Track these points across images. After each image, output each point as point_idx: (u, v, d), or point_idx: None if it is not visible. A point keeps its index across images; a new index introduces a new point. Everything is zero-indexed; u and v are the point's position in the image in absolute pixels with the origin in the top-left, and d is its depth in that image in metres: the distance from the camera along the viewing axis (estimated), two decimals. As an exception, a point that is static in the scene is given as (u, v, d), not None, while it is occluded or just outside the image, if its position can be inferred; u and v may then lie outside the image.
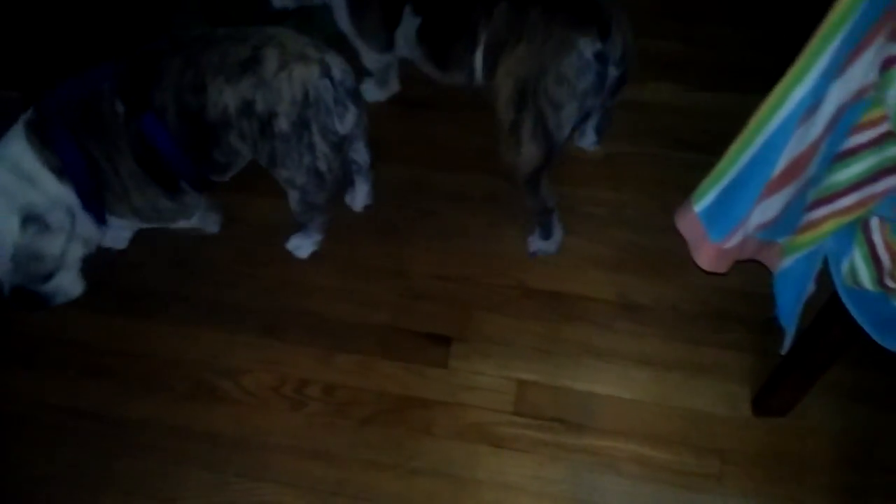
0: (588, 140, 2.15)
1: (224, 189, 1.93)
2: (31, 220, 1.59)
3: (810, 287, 1.38)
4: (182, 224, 1.88)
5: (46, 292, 1.71)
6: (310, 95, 1.62)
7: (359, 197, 2.08)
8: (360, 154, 1.96)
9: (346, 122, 1.70)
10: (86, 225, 1.72)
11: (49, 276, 1.68)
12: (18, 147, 1.61)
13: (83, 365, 1.90)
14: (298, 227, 1.98)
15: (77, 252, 1.73)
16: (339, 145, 1.72)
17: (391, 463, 1.72)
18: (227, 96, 1.61)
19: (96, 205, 1.70)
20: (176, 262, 2.05)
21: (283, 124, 1.63)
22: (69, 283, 1.75)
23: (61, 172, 1.62)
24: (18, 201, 1.59)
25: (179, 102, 1.62)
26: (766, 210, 1.24)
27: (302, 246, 2.02)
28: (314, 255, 2.03)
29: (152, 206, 1.76)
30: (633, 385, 1.81)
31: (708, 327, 1.87)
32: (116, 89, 1.62)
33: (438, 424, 1.76)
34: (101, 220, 1.74)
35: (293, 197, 1.84)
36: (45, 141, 1.60)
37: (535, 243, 1.96)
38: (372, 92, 2.28)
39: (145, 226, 1.86)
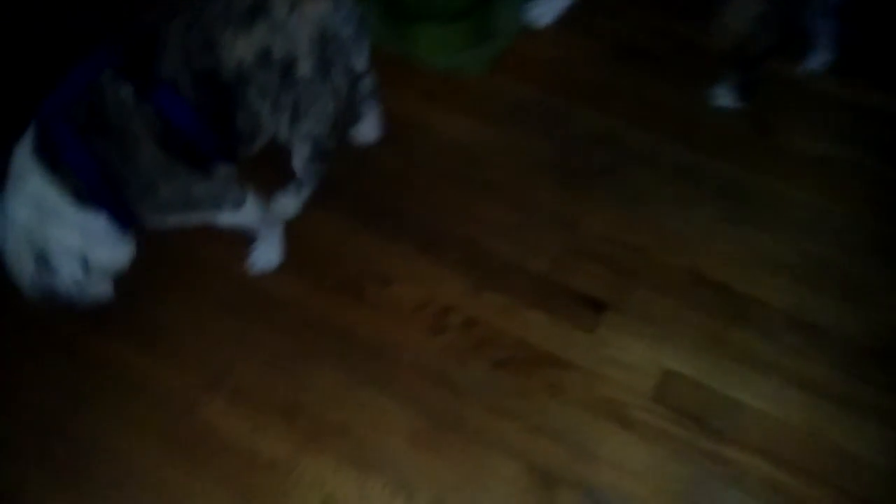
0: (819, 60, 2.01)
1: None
2: (42, 263, 1.50)
3: None
4: (229, 215, 1.68)
5: (73, 301, 1.60)
6: (327, 32, 1.51)
7: (369, 127, 1.98)
8: (366, 84, 1.85)
9: (363, 55, 1.60)
10: (108, 248, 1.57)
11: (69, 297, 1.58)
12: (37, 181, 1.45)
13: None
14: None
15: (99, 275, 1.60)
16: (356, 83, 1.63)
17: (515, 412, 1.68)
18: (240, 48, 1.47)
19: (122, 212, 1.53)
20: (358, 157, 2.04)
21: (304, 69, 1.53)
22: (95, 292, 1.62)
23: (80, 195, 1.47)
24: (36, 244, 1.49)
25: (191, 67, 1.46)
26: None
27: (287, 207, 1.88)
28: (487, 184, 1.97)
29: (184, 193, 1.56)
30: (787, 405, 1.67)
31: (882, 368, 1.70)
32: (117, 73, 1.43)
33: (571, 389, 1.70)
34: (127, 225, 1.56)
35: (303, 152, 1.70)
36: (56, 164, 1.44)
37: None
38: (543, 12, 2.16)
39: (179, 221, 1.64)
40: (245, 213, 1.70)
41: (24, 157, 1.47)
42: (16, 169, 1.48)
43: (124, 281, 1.66)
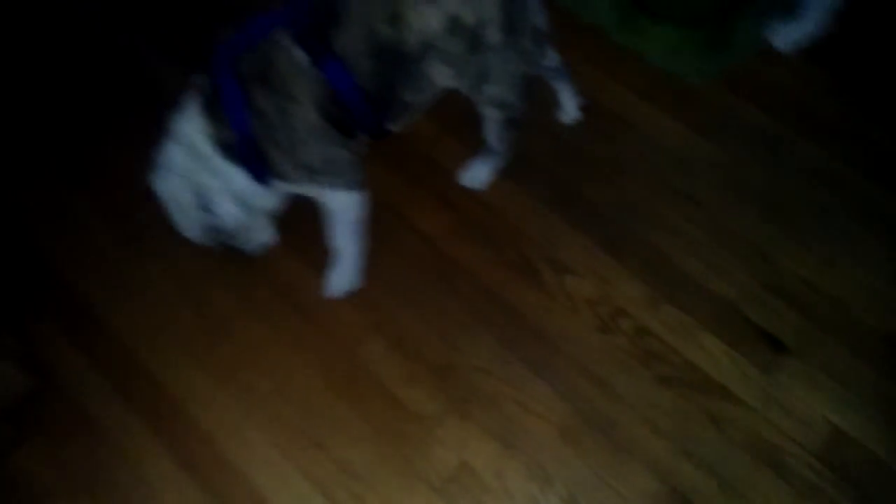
0: None
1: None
2: (204, 206, 1.55)
3: None
4: (339, 195, 1.66)
5: (240, 246, 1.70)
6: None
7: (569, 104, 1.98)
8: (550, 58, 1.82)
9: (542, 13, 1.58)
10: (256, 195, 1.61)
11: (234, 237, 1.65)
12: (194, 125, 1.50)
13: (440, 191, 1.97)
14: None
15: (257, 215, 1.65)
16: (541, 44, 1.61)
17: (669, 432, 1.63)
18: (430, 18, 1.44)
19: (260, 170, 1.54)
20: (563, 140, 2.02)
21: (495, 34, 1.49)
22: (258, 235, 1.71)
23: (228, 149, 1.50)
24: (194, 184, 1.53)
25: (371, 39, 1.44)
26: None
27: (478, 175, 1.94)
28: (687, 196, 1.90)
29: (323, 156, 1.54)
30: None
31: None
32: (294, 37, 1.44)
33: (733, 424, 1.63)
34: (262, 180, 1.57)
35: (495, 119, 1.73)
36: (215, 112, 1.47)
37: None
38: (786, 36, 2.07)
39: (301, 187, 1.64)
40: (350, 202, 1.68)
41: (190, 99, 1.51)
42: (182, 108, 1.52)
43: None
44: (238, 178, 1.55)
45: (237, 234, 1.64)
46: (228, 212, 1.57)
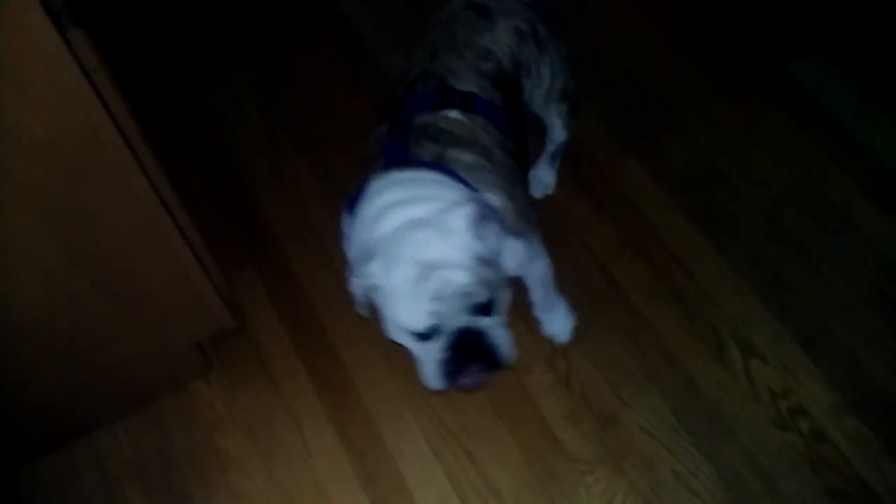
0: None
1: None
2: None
3: None
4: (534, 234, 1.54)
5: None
6: None
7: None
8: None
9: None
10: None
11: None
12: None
13: (642, 241, 1.96)
14: None
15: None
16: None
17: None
18: (501, 37, 1.58)
19: None
20: (776, 219, 1.96)
21: (542, 29, 1.66)
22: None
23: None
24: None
25: (484, 76, 1.52)
26: None
27: (546, 179, 2.01)
28: (894, 307, 1.79)
29: (524, 198, 1.51)
30: None
31: None
32: (434, 105, 1.45)
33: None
34: None
35: (563, 113, 1.82)
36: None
37: None
38: None
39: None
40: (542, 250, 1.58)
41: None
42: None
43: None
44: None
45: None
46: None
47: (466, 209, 1.24)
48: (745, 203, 1.99)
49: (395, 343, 1.35)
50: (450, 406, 1.77)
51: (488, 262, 1.26)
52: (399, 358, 1.81)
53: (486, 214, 1.26)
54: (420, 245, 1.23)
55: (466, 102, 1.47)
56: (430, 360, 1.29)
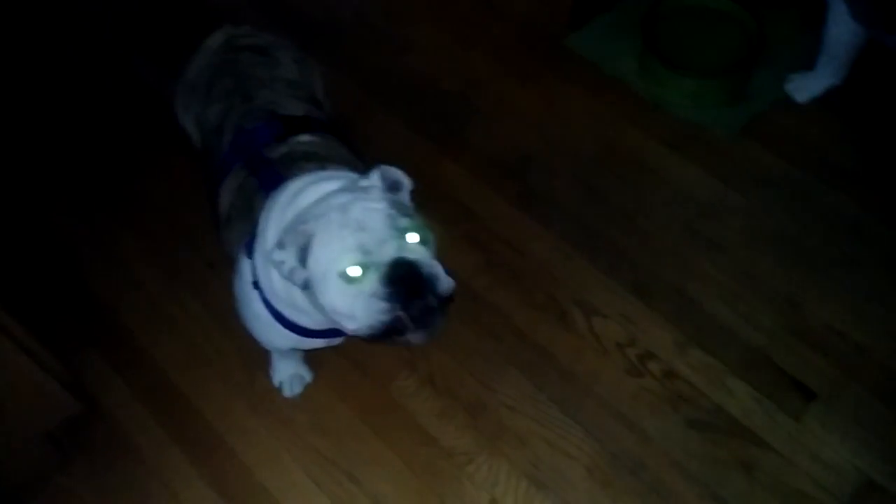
0: None
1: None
2: None
3: None
4: None
5: None
6: None
7: None
8: None
9: None
10: None
11: None
12: None
13: (473, 232, 2.02)
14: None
15: None
16: None
17: (698, 477, 1.66)
18: (291, 68, 1.65)
19: None
20: (588, 186, 2.08)
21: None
22: None
23: None
24: None
25: (303, 101, 1.59)
26: None
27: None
28: (714, 244, 1.95)
29: None
30: None
31: None
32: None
33: (763, 471, 1.66)
34: None
35: None
36: None
37: None
38: (802, 87, 2.14)
39: None
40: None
41: None
42: None
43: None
44: None
45: None
46: None
47: (376, 172, 1.25)
48: (557, 176, 2.10)
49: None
50: (322, 434, 1.76)
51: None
52: (262, 399, 1.80)
53: (394, 178, 1.26)
54: (343, 204, 1.19)
55: (306, 125, 1.48)
56: (367, 305, 1.16)
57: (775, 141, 2.12)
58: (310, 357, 1.82)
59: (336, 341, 1.45)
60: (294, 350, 1.68)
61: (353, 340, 1.28)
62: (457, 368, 1.83)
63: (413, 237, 1.18)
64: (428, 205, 1.77)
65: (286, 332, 1.38)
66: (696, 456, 1.68)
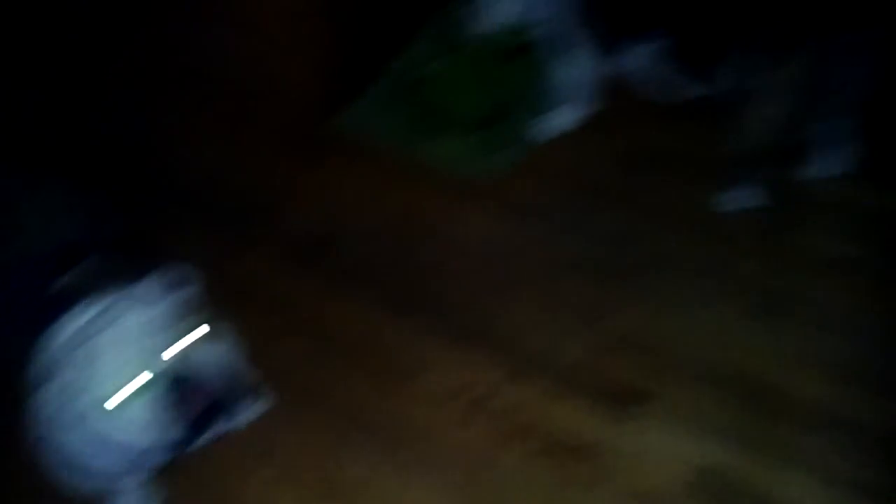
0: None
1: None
2: None
3: None
4: None
5: None
6: None
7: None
8: None
9: None
10: None
11: None
12: None
13: (289, 324, 1.98)
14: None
15: None
16: None
17: (553, 501, 1.67)
18: None
19: None
20: (390, 253, 2.12)
21: None
22: None
23: None
24: None
25: None
26: None
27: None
28: (514, 280, 2.04)
29: None
30: (827, 504, 1.65)
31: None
32: None
33: (607, 480, 1.69)
34: None
35: None
36: None
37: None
38: (561, 119, 2.30)
39: None
40: None
41: None
42: None
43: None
44: None
45: None
46: None
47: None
48: (360, 250, 2.13)
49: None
50: None
51: None
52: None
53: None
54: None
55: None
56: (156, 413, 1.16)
57: (546, 173, 2.27)
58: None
59: None
60: None
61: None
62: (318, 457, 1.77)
63: None
64: (239, 301, 1.74)
65: None
66: (544, 483, 1.70)
